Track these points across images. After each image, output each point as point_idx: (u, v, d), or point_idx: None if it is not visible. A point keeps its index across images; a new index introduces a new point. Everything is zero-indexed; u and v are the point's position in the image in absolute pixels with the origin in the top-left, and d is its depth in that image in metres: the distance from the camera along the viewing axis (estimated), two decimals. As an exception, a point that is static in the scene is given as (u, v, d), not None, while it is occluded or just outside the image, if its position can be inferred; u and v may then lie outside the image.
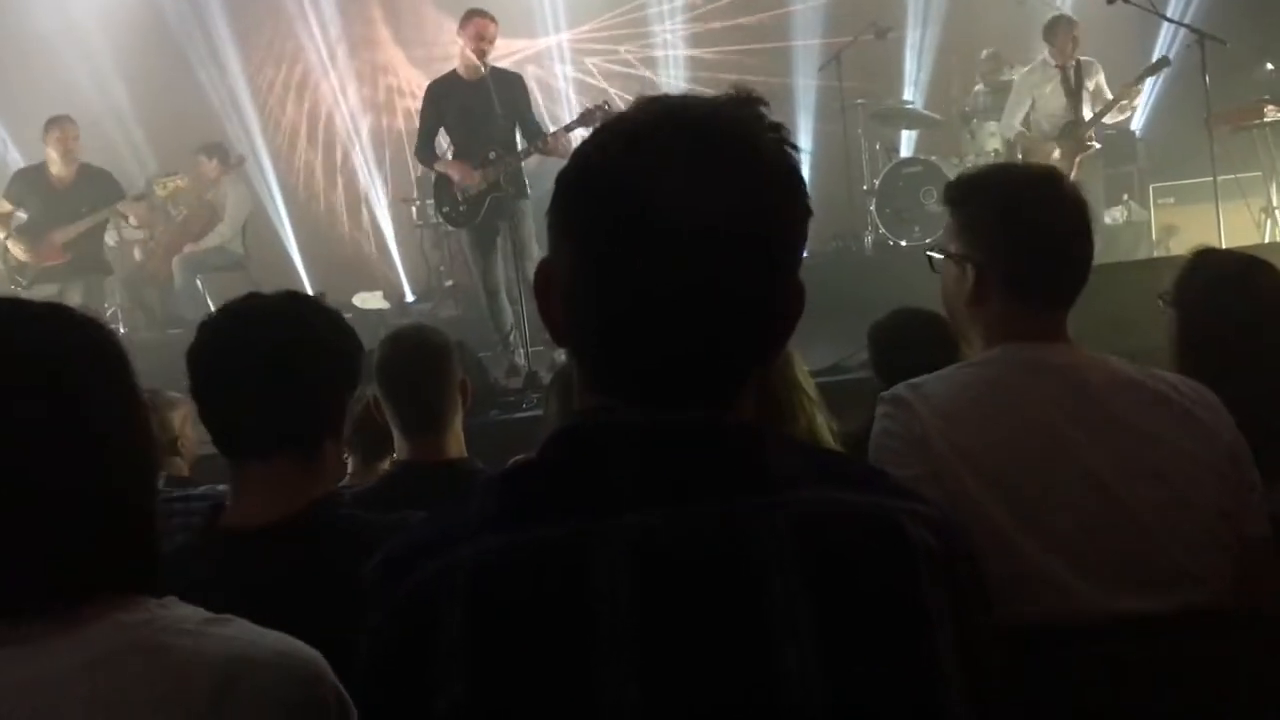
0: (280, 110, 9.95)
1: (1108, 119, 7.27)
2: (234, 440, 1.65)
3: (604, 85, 9.30)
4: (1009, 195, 1.87)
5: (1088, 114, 7.21)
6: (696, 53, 9.65)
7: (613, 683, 0.88)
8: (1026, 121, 7.46)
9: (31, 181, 7.06)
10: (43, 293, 6.80)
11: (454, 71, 6.12)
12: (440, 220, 6.80)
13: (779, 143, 0.97)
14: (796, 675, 0.88)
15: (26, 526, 1.07)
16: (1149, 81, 7.45)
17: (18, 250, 6.96)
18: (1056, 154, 7.08)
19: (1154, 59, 7.18)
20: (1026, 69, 7.57)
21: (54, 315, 1.16)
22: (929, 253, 1.97)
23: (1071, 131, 7.19)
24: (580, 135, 6.14)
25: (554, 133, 5.86)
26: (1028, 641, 1.54)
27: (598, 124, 1.00)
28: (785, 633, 0.89)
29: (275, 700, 1.09)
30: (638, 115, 0.97)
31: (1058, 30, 7.28)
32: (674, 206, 0.93)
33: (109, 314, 7.44)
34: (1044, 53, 7.38)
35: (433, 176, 6.34)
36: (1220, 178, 6.58)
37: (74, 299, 6.75)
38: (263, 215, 9.34)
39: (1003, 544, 1.63)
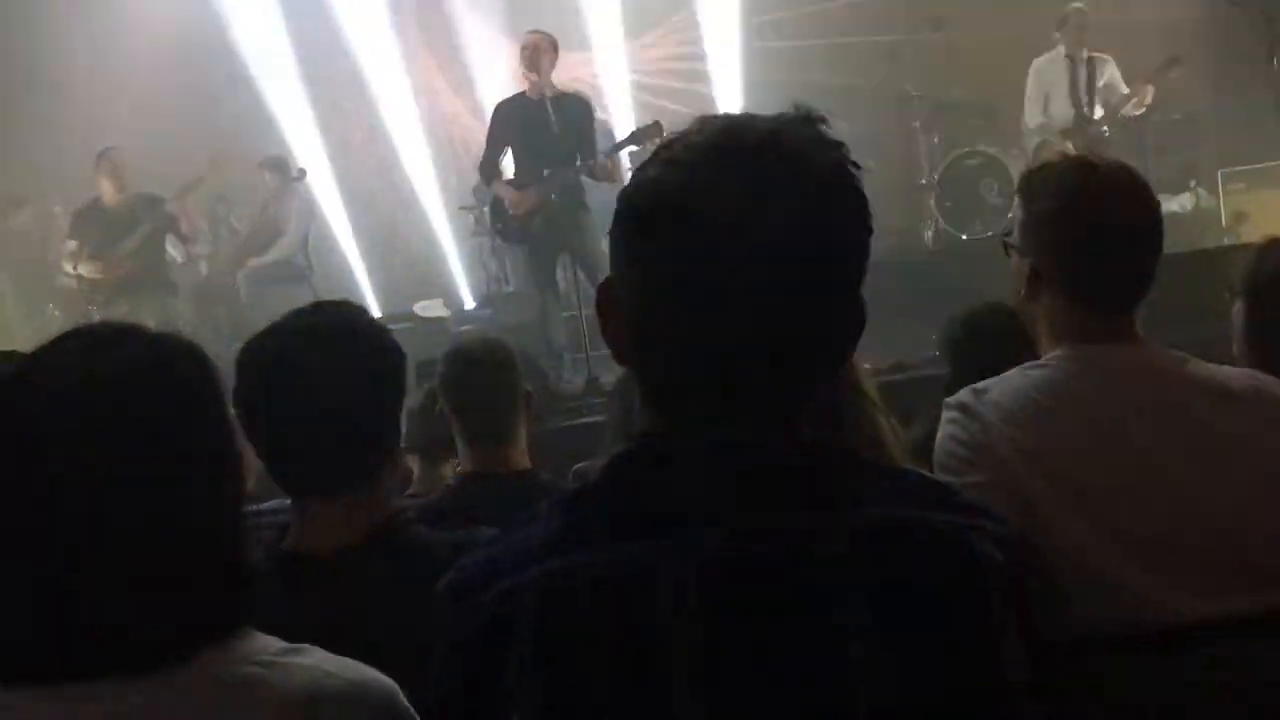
0: (340, 122, 10.06)
1: (1125, 112, 7.35)
2: (290, 483, 1.63)
3: (659, 101, 9.27)
4: (1069, 195, 1.78)
5: (1098, 111, 7.31)
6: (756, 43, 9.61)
7: (683, 698, 0.89)
8: (1047, 113, 7.52)
9: (89, 216, 7.32)
10: (116, 310, 6.92)
11: (522, 92, 6.20)
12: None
13: (840, 162, 0.97)
14: (865, 690, 0.89)
15: (139, 575, 1.07)
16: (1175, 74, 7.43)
17: (90, 271, 7.17)
18: (1070, 149, 7.03)
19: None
20: (1043, 59, 7.59)
21: (146, 346, 1.15)
22: (1005, 239, 1.90)
23: (1082, 128, 7.26)
24: (631, 156, 6.19)
25: (606, 154, 5.88)
26: (1108, 648, 1.52)
27: (648, 144, 1.01)
28: (853, 647, 0.90)
29: None
30: (698, 136, 0.98)
31: (1068, 21, 7.43)
32: (734, 226, 0.93)
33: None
34: (1061, 46, 7.48)
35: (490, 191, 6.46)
36: (1293, 160, 6.43)
37: (148, 315, 6.89)
38: (324, 227, 9.45)
39: (1077, 550, 1.60)
